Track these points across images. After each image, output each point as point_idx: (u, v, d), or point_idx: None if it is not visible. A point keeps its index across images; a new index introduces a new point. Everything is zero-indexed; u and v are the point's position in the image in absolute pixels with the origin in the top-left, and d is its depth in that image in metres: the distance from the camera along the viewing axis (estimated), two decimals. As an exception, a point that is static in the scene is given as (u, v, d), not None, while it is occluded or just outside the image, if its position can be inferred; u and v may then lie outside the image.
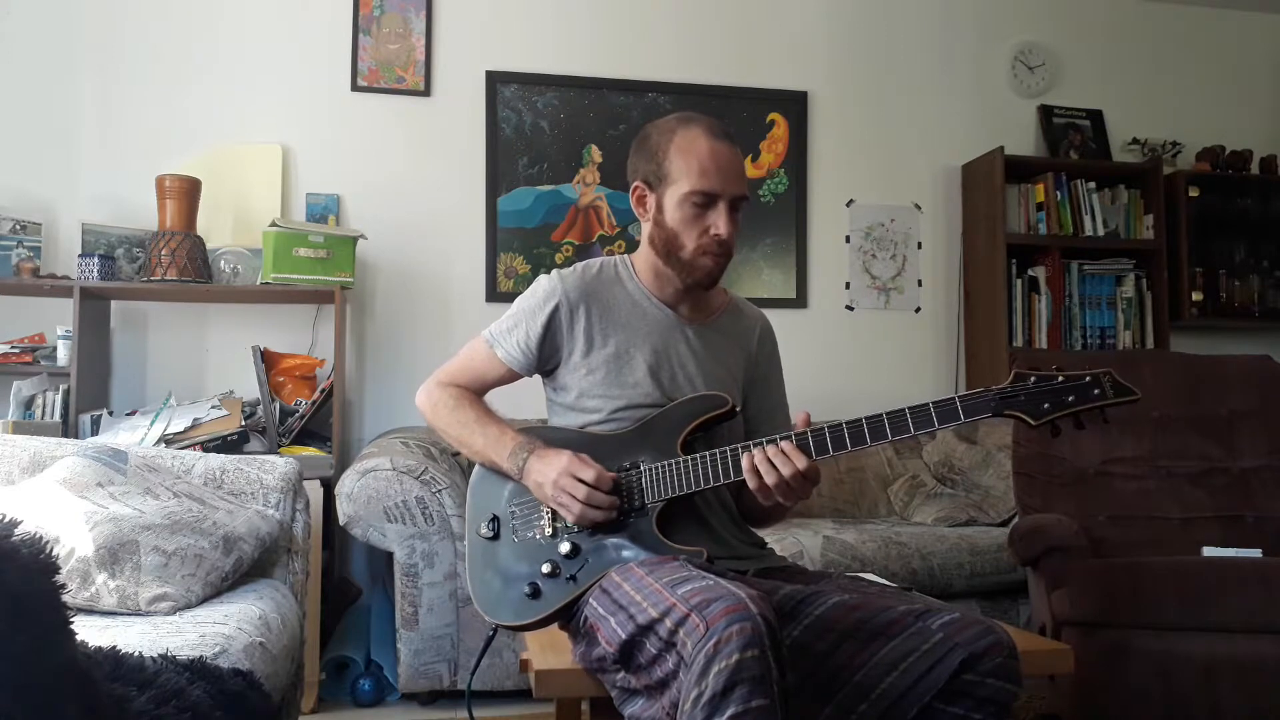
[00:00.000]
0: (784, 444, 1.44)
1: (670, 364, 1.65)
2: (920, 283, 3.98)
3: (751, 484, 1.44)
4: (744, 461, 1.45)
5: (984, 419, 1.41)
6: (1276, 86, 4.39)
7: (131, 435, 2.86)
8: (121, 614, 1.72)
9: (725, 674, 1.16)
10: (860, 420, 1.43)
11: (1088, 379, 1.37)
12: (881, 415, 1.42)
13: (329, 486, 2.86)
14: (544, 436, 1.61)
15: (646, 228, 1.66)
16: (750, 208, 1.74)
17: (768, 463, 1.43)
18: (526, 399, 2.01)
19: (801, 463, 1.42)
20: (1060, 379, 1.38)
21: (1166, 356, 3.39)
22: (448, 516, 2.64)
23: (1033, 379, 1.39)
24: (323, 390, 3.17)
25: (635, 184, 1.65)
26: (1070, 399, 1.37)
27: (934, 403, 1.40)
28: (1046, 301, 3.84)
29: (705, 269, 1.61)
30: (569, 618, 1.53)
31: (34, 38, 3.34)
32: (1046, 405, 1.38)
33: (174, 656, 1.37)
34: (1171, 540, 2.45)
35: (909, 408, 1.41)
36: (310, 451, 3.02)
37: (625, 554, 1.50)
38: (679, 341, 1.67)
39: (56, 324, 3.11)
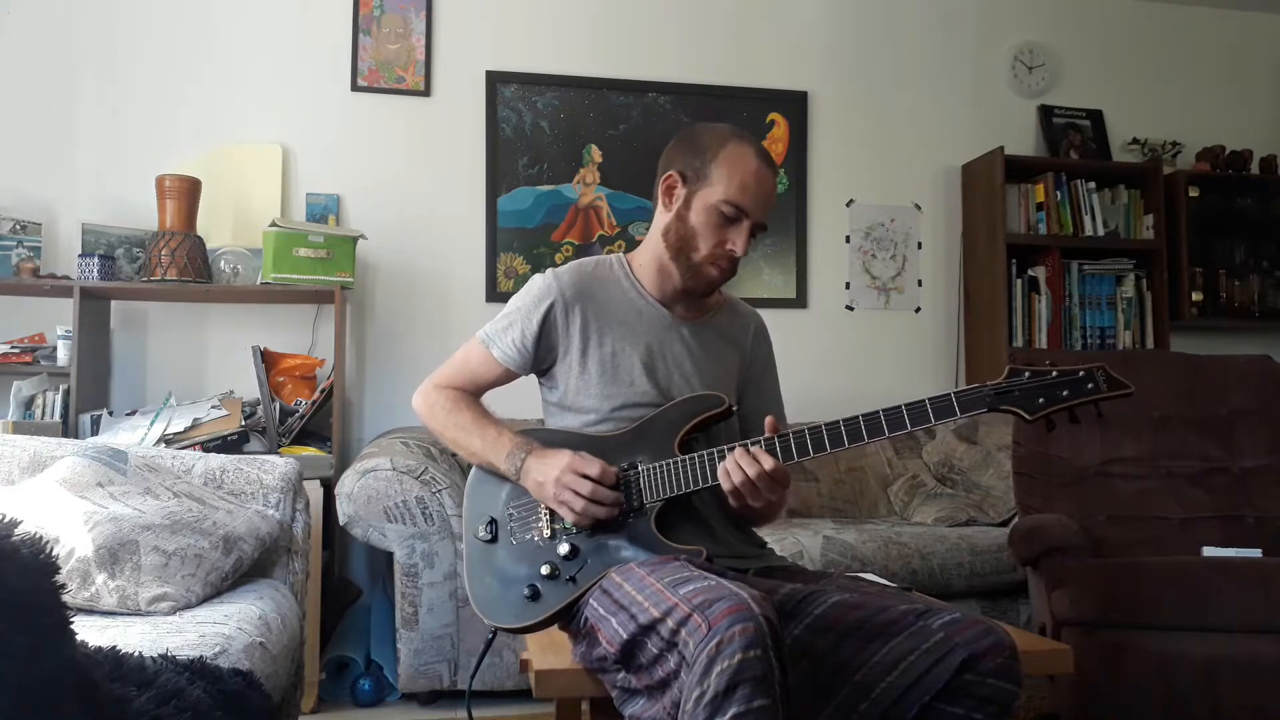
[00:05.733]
0: (752, 449, 1.45)
1: (666, 363, 1.65)
2: (920, 283, 3.98)
3: (725, 487, 1.46)
4: (719, 468, 1.46)
5: (979, 414, 1.42)
6: (1276, 86, 4.39)
7: (131, 435, 2.86)
8: (121, 614, 1.72)
9: (727, 674, 1.16)
10: (857, 418, 1.44)
11: (1082, 373, 1.38)
12: (878, 412, 1.43)
13: (329, 486, 2.86)
14: (541, 438, 1.60)
15: (663, 220, 1.65)
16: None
17: (735, 465, 1.44)
18: (523, 400, 2.01)
19: (768, 463, 1.43)
20: (1054, 374, 1.39)
21: (1166, 356, 3.39)
22: (448, 516, 2.64)
23: (1027, 374, 1.40)
24: (323, 390, 3.17)
25: (669, 173, 1.64)
26: (1065, 393, 1.38)
27: (930, 399, 1.41)
28: (1046, 301, 3.84)
29: (709, 278, 1.62)
30: (569, 619, 1.53)
31: (34, 38, 3.34)
32: (1041, 400, 1.39)
33: (174, 656, 1.37)
34: (1171, 540, 2.45)
35: (905, 404, 1.42)
36: (310, 451, 3.02)
37: (624, 554, 1.50)
38: (675, 340, 1.67)
39: (56, 324, 3.10)
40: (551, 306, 1.64)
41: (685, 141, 1.64)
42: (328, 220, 3.43)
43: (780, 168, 3.86)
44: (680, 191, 1.62)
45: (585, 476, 1.49)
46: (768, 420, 1.49)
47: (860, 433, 1.43)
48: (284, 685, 1.74)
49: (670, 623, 1.27)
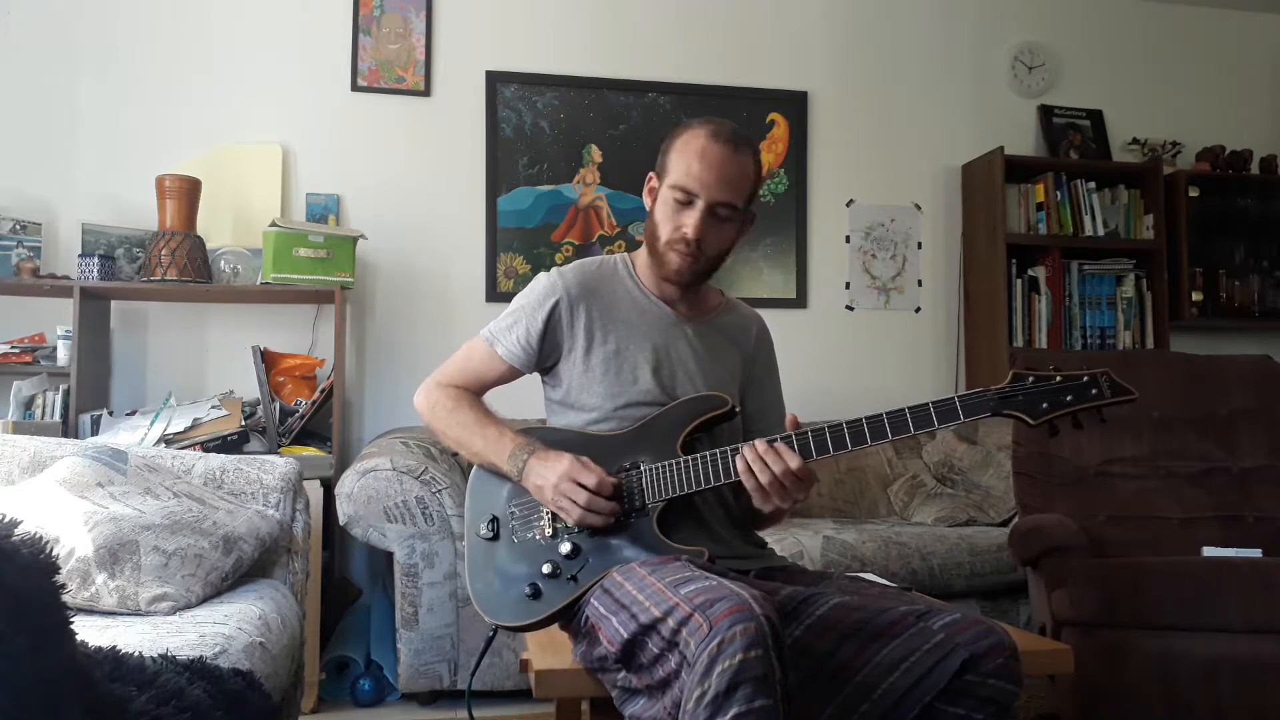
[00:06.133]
0: (777, 443, 1.44)
1: (671, 362, 1.65)
2: (920, 283, 3.98)
3: (748, 484, 1.45)
4: (738, 462, 1.45)
5: (983, 419, 1.42)
6: (1276, 86, 4.39)
7: (131, 435, 2.86)
8: (121, 614, 1.72)
9: (728, 674, 1.16)
10: (860, 420, 1.43)
11: (1085, 379, 1.38)
12: (881, 415, 1.42)
13: (329, 486, 2.86)
14: (543, 437, 1.60)
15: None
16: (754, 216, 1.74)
17: (760, 461, 1.43)
18: (527, 398, 2.01)
19: (794, 462, 1.42)
20: (1058, 379, 1.39)
21: (1166, 356, 3.39)
22: (448, 516, 2.64)
23: (1031, 379, 1.40)
24: (323, 390, 3.17)
25: (649, 175, 1.68)
26: (1068, 399, 1.38)
27: (933, 403, 1.41)
28: (1046, 301, 3.84)
29: (672, 264, 1.62)
30: (570, 618, 1.53)
31: (33, 38, 3.34)
32: (1045, 405, 1.39)
33: (174, 656, 1.37)
34: (1171, 540, 2.45)
35: (909, 408, 1.41)
36: (310, 451, 3.02)
37: (626, 554, 1.50)
38: (679, 339, 1.67)
39: (56, 324, 3.10)
40: (556, 304, 1.64)
41: (662, 143, 1.67)
42: (328, 220, 3.43)
43: (780, 168, 3.86)
44: (655, 189, 1.65)
45: (582, 486, 1.49)
46: (790, 417, 1.49)
47: (863, 435, 1.42)
48: (284, 685, 1.74)
49: (671, 622, 1.27)
